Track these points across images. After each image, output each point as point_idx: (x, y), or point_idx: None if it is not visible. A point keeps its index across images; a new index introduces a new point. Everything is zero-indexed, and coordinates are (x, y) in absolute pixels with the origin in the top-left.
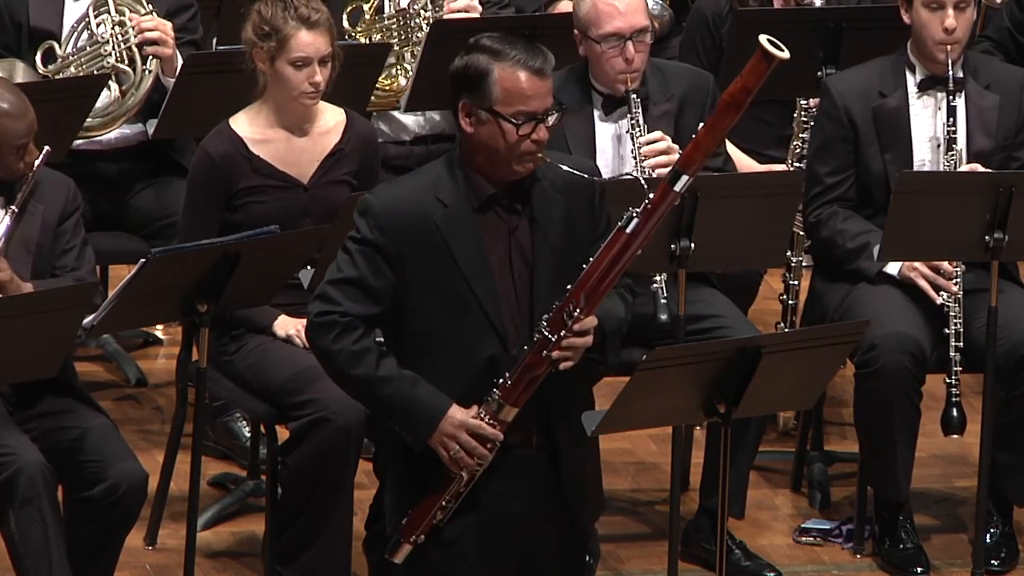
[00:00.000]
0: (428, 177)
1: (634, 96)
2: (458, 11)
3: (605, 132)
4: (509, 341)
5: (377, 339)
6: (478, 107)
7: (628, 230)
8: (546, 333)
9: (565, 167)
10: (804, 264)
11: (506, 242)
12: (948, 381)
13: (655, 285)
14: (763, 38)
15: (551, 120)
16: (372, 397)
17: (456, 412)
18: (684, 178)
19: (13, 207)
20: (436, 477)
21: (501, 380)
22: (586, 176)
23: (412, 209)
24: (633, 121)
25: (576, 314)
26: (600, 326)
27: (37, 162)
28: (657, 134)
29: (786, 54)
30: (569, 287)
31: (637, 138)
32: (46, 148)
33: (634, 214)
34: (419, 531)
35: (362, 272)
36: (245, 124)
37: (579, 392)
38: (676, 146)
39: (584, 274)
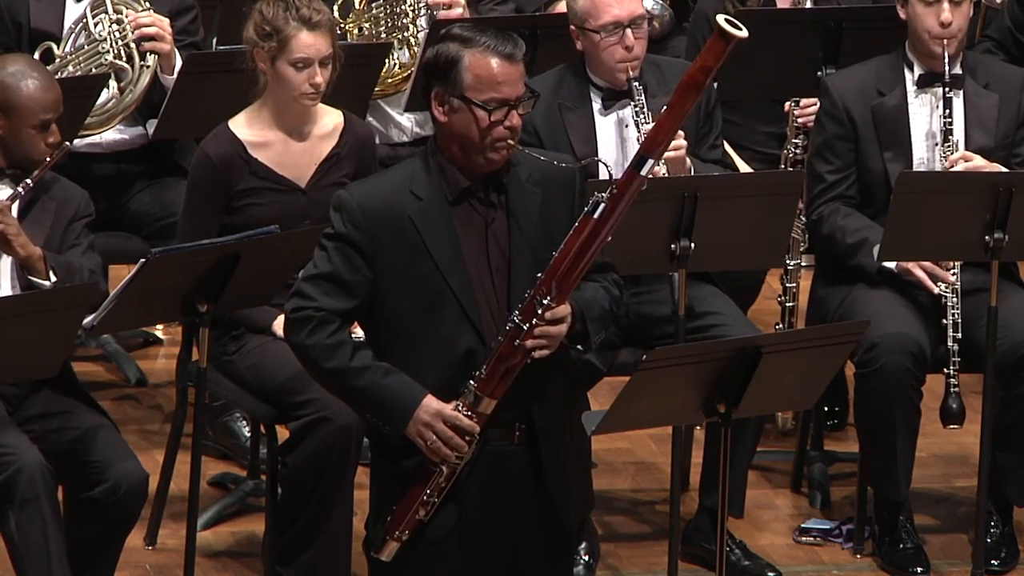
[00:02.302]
0: (403, 172)
1: (636, 84)
2: (441, 4)
3: (606, 126)
4: (486, 334)
5: (356, 338)
6: (450, 95)
7: (595, 216)
8: (518, 322)
9: (543, 157)
10: (803, 265)
11: (482, 235)
12: (947, 372)
13: None
14: (721, 18)
15: (524, 108)
16: (347, 389)
17: (431, 402)
18: (649, 162)
19: (28, 180)
20: (417, 472)
21: (477, 372)
22: (565, 165)
23: (386, 204)
24: (637, 108)
25: (547, 302)
26: (581, 316)
27: (57, 153)
28: None
29: (744, 33)
30: (540, 275)
31: (642, 125)
32: (66, 143)
33: (601, 199)
34: (403, 527)
35: (336, 267)
36: (244, 126)
37: (561, 386)
38: (681, 132)
39: (553, 262)
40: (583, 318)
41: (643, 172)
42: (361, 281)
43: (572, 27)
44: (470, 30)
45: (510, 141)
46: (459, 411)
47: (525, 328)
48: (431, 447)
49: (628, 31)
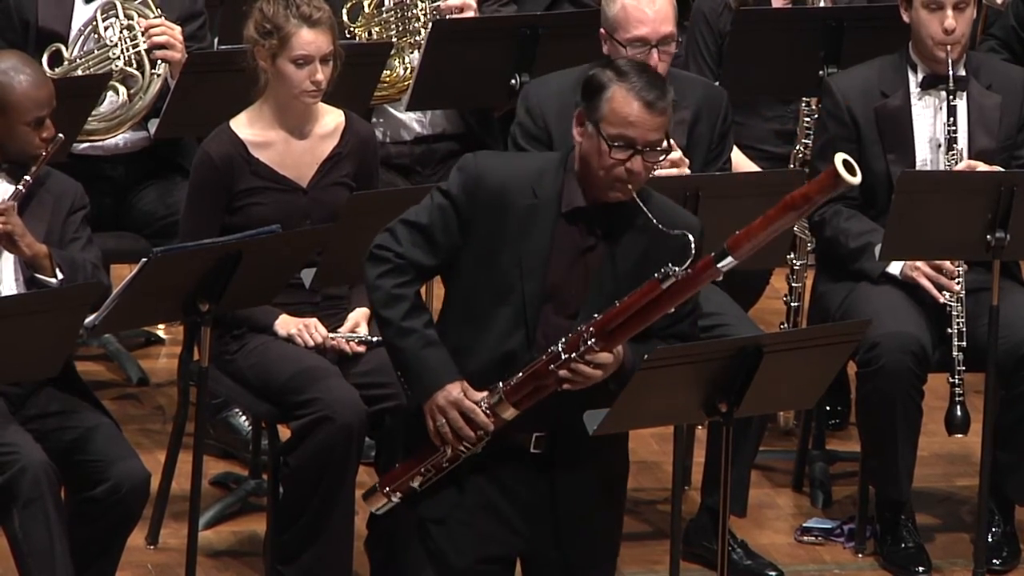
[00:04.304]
0: (536, 165)
1: None
2: (453, 8)
3: None
4: (536, 345)
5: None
6: (588, 119)
7: (663, 286)
8: (560, 348)
9: (655, 220)
10: (809, 264)
11: (575, 258)
12: (952, 380)
13: None
14: (839, 158)
15: (653, 156)
16: (390, 342)
17: (455, 388)
18: (729, 259)
19: (27, 177)
20: (428, 440)
21: (511, 376)
22: (684, 236)
23: (503, 186)
24: None
25: (590, 343)
26: (632, 368)
27: (52, 146)
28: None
29: (857, 180)
30: (597, 315)
31: None
32: (60, 135)
33: (673, 272)
34: (395, 486)
35: (433, 223)
36: (245, 126)
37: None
38: (687, 160)
39: (611, 311)
40: (633, 372)
41: (721, 266)
42: (450, 245)
43: (602, 30)
44: (630, 66)
45: (630, 185)
46: (480, 406)
47: (564, 357)
48: (438, 429)
49: (654, 51)
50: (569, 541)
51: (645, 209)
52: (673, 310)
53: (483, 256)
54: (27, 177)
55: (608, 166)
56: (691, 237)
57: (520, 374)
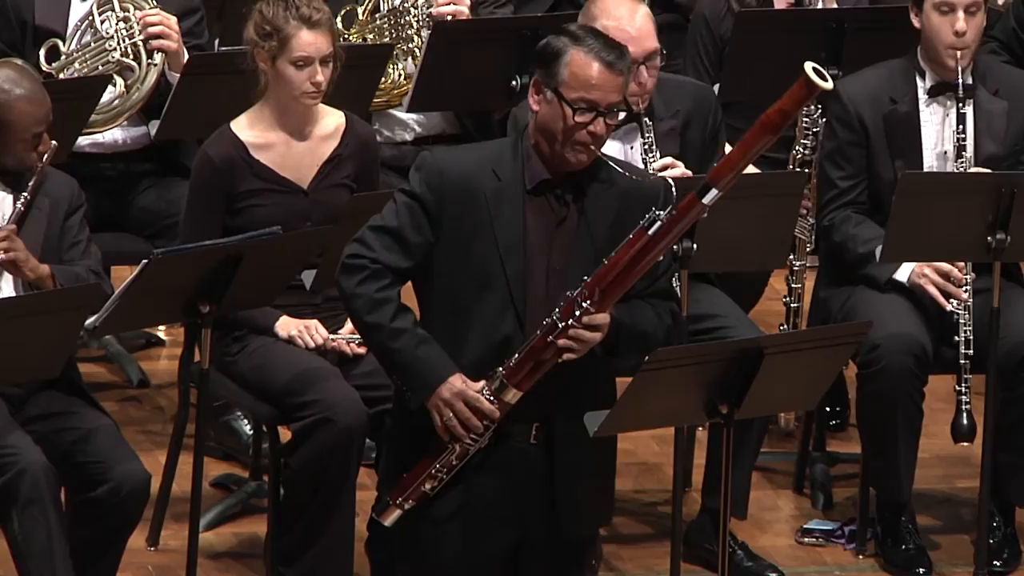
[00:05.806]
0: (491, 149)
1: (646, 120)
2: (446, 13)
3: (610, 147)
4: (528, 325)
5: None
6: (546, 85)
7: (650, 232)
8: (555, 319)
9: (624, 171)
10: (808, 266)
11: (550, 231)
12: (958, 388)
13: None
14: (808, 66)
15: (614, 118)
16: (381, 347)
17: (456, 380)
18: (713, 192)
19: (25, 194)
20: (432, 443)
21: (508, 360)
22: (635, 177)
23: (466, 175)
24: (646, 146)
25: (586, 305)
26: (618, 328)
27: (47, 155)
28: (669, 160)
29: (829, 84)
30: (586, 278)
31: (651, 163)
32: (54, 143)
33: (657, 216)
34: (408, 495)
35: (402, 224)
36: (246, 128)
37: (591, 396)
38: (689, 172)
39: (601, 269)
40: (619, 332)
41: (705, 200)
42: (422, 243)
43: None
44: (584, 31)
45: (592, 147)
46: (482, 394)
47: (561, 326)
48: (446, 424)
49: (642, 68)
50: (568, 514)
51: (613, 164)
52: (655, 262)
53: (458, 248)
54: (25, 194)
55: (570, 130)
56: (670, 180)
57: (518, 354)
